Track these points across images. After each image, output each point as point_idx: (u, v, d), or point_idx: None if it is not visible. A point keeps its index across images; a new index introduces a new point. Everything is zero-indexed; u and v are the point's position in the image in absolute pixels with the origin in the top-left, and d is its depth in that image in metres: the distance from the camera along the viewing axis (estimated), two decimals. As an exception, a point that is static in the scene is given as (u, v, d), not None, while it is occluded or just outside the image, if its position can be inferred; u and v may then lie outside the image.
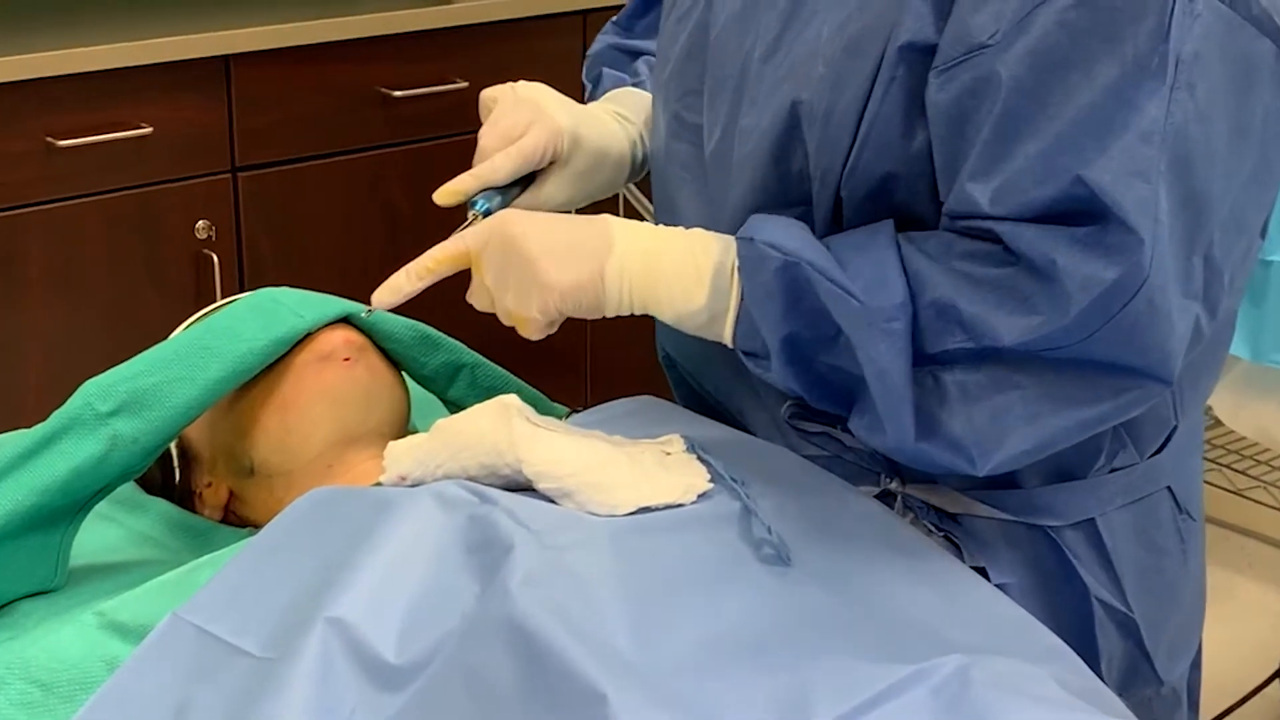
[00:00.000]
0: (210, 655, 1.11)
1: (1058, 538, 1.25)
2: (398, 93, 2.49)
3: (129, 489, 1.43)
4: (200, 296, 2.36)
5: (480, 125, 1.35)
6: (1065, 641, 1.17)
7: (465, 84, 2.54)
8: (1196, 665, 1.39)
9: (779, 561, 1.13)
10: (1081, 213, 1.08)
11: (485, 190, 1.30)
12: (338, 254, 2.48)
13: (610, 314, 1.21)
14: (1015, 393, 1.11)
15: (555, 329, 1.22)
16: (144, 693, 1.11)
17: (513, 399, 1.25)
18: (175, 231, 2.37)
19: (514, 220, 1.21)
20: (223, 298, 1.96)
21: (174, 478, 1.46)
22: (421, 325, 1.47)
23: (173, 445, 1.45)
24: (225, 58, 2.36)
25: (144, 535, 1.39)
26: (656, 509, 1.16)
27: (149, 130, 2.30)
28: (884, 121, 1.15)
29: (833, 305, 1.13)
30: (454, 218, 1.29)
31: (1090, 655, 1.26)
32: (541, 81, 1.39)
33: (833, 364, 1.15)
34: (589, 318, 1.21)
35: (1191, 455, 1.34)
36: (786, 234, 1.15)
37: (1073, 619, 1.26)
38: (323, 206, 2.49)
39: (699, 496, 1.18)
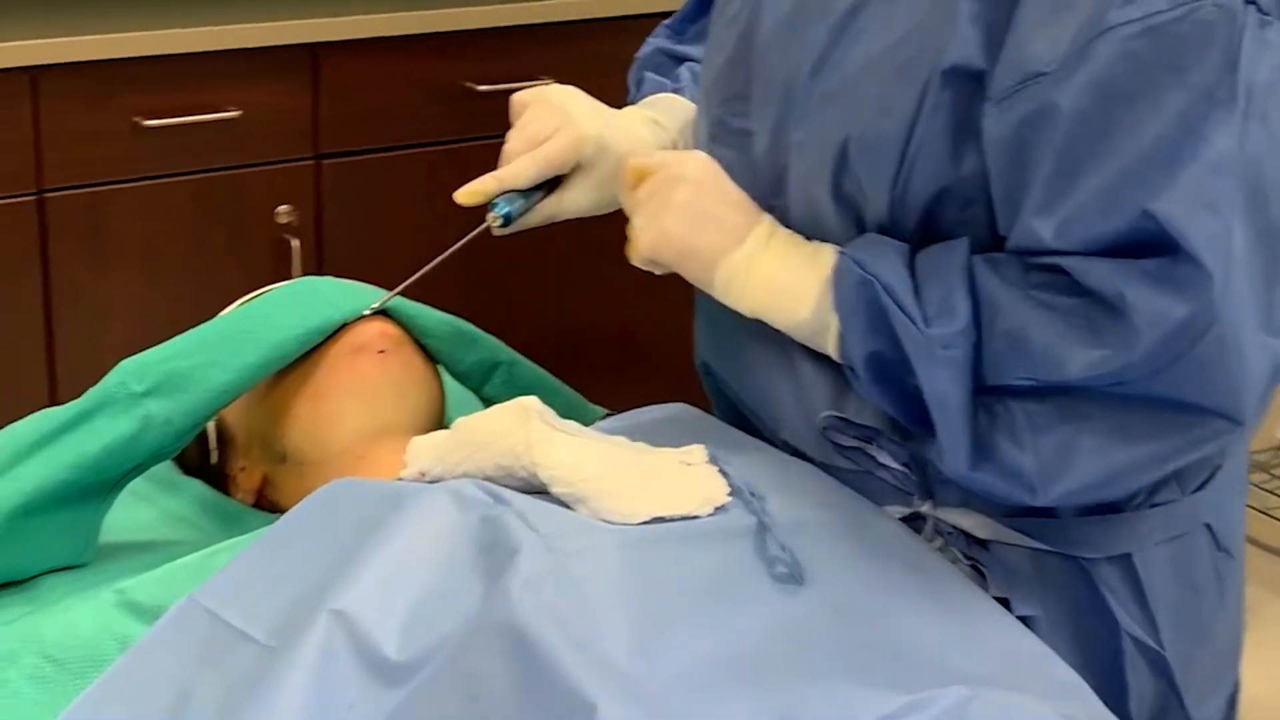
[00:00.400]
0: (220, 640, 1.12)
1: (1091, 570, 1.22)
2: (482, 87, 2.50)
3: (166, 468, 1.44)
4: (279, 280, 2.37)
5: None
6: (1094, 677, 1.15)
7: (552, 81, 2.53)
8: (1233, 704, 1.35)
9: (791, 580, 1.12)
10: (1150, 244, 1.06)
11: (507, 193, 1.30)
12: (414, 245, 2.48)
13: (717, 296, 1.23)
14: (1083, 424, 1.10)
15: (657, 272, 1.26)
16: (151, 674, 1.12)
17: (533, 401, 1.24)
18: (257, 215, 2.40)
19: (691, 166, 1.24)
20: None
21: (209, 459, 1.47)
22: (459, 321, 1.47)
23: (211, 427, 1.46)
24: (314, 46, 2.38)
25: (177, 515, 1.40)
26: (670, 520, 1.15)
27: (236, 114, 2.33)
28: (930, 146, 1.14)
29: (899, 329, 1.12)
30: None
31: (1119, 692, 1.23)
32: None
33: (918, 386, 1.14)
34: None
35: (1234, 492, 1.30)
36: (872, 251, 1.16)
37: (1102, 654, 1.23)
38: (402, 197, 2.50)
39: (716, 510, 1.17)
